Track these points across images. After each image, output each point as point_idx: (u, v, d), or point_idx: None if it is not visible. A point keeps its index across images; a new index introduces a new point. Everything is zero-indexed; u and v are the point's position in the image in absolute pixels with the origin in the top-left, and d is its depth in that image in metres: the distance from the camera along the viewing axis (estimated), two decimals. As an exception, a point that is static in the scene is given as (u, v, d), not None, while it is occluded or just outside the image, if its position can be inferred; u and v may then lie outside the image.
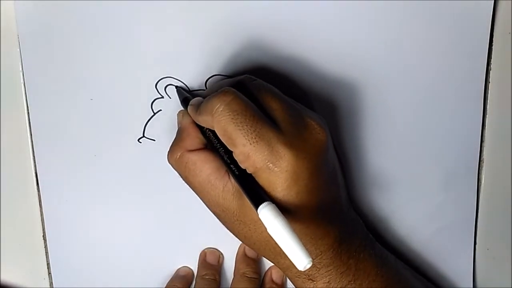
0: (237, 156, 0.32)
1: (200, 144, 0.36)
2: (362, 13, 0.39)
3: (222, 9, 0.38)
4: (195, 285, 0.42)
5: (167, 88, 0.40)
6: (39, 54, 0.39)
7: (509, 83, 0.41)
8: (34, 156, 0.41)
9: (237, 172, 0.33)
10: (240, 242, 0.41)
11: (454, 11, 0.39)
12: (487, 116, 0.41)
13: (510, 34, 0.40)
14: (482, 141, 0.42)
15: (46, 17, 0.38)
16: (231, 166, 0.33)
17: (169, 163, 0.37)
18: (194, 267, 0.42)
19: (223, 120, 0.32)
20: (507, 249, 0.43)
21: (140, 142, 0.40)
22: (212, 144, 0.34)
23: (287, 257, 0.28)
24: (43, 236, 0.42)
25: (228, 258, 0.42)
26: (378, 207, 0.42)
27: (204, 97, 0.35)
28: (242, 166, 0.32)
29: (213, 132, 0.34)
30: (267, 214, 0.29)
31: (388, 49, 0.40)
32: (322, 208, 0.33)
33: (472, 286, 0.43)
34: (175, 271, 0.42)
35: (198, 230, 0.42)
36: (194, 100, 0.36)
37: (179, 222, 0.42)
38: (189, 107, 0.36)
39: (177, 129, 0.38)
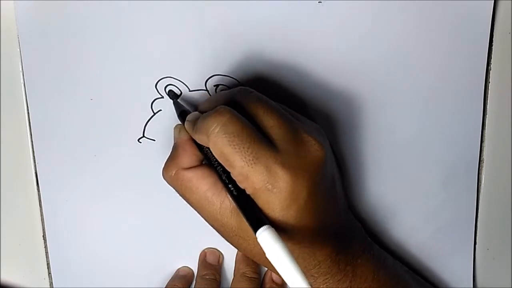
0: (236, 177, 0.32)
1: (196, 161, 0.35)
2: (361, 13, 0.39)
3: (222, 9, 0.38)
4: (195, 284, 0.42)
5: (167, 88, 0.40)
6: (39, 54, 0.39)
7: (509, 83, 0.41)
8: (34, 156, 0.41)
9: (235, 193, 0.32)
10: None
11: (454, 11, 0.39)
12: (487, 116, 0.41)
13: (510, 34, 0.40)
14: (482, 141, 0.42)
15: (46, 17, 0.38)
16: (229, 186, 0.32)
17: (164, 179, 0.36)
18: (194, 267, 0.42)
19: (219, 141, 0.31)
20: (507, 249, 0.43)
21: (140, 142, 0.40)
22: (210, 162, 0.34)
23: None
24: (43, 236, 0.42)
25: (228, 258, 0.42)
26: (377, 207, 0.42)
27: (201, 110, 0.35)
28: (241, 186, 0.32)
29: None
30: (266, 238, 0.29)
31: (387, 49, 0.40)
32: (321, 223, 0.33)
33: (472, 286, 0.43)
34: (175, 271, 0.42)
35: (198, 230, 0.42)
36: (191, 116, 0.35)
37: (179, 222, 0.42)
38: (186, 123, 0.35)
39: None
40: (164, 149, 0.40)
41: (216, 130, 0.31)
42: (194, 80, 0.40)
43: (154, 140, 0.40)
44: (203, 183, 0.34)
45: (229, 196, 0.33)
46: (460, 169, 0.42)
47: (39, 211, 0.42)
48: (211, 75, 0.39)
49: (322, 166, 0.32)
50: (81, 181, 0.41)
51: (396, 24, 0.39)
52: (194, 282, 0.42)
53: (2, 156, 0.41)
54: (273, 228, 0.29)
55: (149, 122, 0.40)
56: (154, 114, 0.40)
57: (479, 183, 0.42)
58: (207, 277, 0.41)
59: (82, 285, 0.42)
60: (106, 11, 0.38)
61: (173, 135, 0.37)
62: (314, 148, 0.32)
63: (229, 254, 0.42)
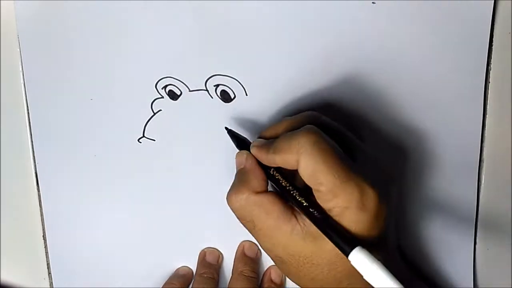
0: (324, 195, 0.31)
1: (265, 186, 0.34)
2: (361, 13, 0.39)
3: (222, 9, 0.38)
4: (193, 283, 0.42)
5: (167, 88, 0.40)
6: (39, 54, 0.39)
7: (509, 83, 0.41)
8: (34, 156, 0.41)
9: (317, 215, 0.31)
10: (239, 242, 0.41)
11: (454, 11, 0.39)
12: (487, 116, 0.41)
13: (510, 34, 0.40)
14: (482, 141, 0.42)
15: (46, 17, 0.38)
16: (310, 209, 0.32)
17: (231, 207, 0.34)
18: (194, 267, 0.42)
19: (312, 159, 0.31)
20: (507, 249, 0.43)
21: (140, 142, 0.40)
22: (281, 186, 0.33)
23: None
24: (43, 236, 0.42)
25: (228, 258, 0.42)
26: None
27: (266, 136, 0.35)
28: (327, 205, 0.31)
29: (281, 173, 0.33)
30: (361, 260, 0.29)
31: (387, 49, 0.39)
32: (393, 244, 0.34)
33: (472, 286, 0.43)
34: (174, 270, 0.42)
35: (198, 230, 0.42)
36: (258, 141, 0.35)
37: (179, 222, 0.42)
38: (254, 148, 0.34)
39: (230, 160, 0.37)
40: (164, 149, 0.40)
41: (309, 148, 0.31)
42: (194, 80, 0.40)
43: (154, 140, 0.40)
44: (274, 209, 0.33)
45: (300, 222, 0.32)
46: (460, 169, 0.42)
47: (39, 211, 0.42)
48: (211, 75, 0.39)
49: (393, 185, 0.33)
50: (81, 181, 0.41)
51: (395, 24, 0.39)
52: (193, 280, 0.42)
53: (2, 156, 0.41)
54: (365, 249, 0.29)
55: (149, 122, 0.40)
56: (154, 114, 0.40)
57: (479, 183, 0.42)
58: (205, 275, 0.41)
59: (82, 285, 0.42)
60: (106, 11, 0.38)
61: (236, 161, 0.36)
62: (387, 168, 0.33)
63: (229, 255, 0.42)
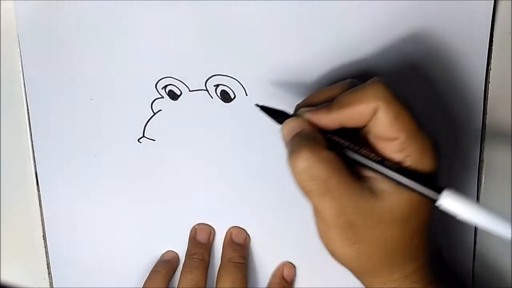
0: (402, 143, 0.31)
1: (328, 146, 0.32)
2: (360, 13, 0.39)
3: (222, 9, 0.38)
4: (183, 264, 0.41)
5: (167, 88, 0.40)
6: (39, 54, 0.39)
7: (509, 83, 0.41)
8: (34, 156, 0.41)
9: (395, 166, 0.31)
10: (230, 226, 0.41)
11: (454, 11, 0.39)
12: (487, 116, 0.41)
13: (510, 34, 0.40)
14: (482, 141, 0.42)
15: (46, 17, 0.38)
16: (385, 162, 0.31)
17: (296, 169, 0.31)
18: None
19: (394, 104, 0.31)
20: (507, 249, 0.43)
21: (140, 142, 0.40)
22: (345, 147, 0.32)
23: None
24: (43, 236, 0.42)
25: (222, 232, 0.42)
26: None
27: (314, 102, 0.34)
28: (404, 153, 0.31)
29: (341, 136, 0.32)
30: (453, 202, 0.29)
31: (387, 49, 0.39)
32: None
33: (472, 286, 0.43)
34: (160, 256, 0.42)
35: (198, 230, 0.42)
36: (308, 108, 0.33)
37: (180, 222, 0.42)
38: (309, 112, 0.33)
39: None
40: (164, 149, 0.40)
41: (390, 94, 0.31)
42: (194, 80, 0.40)
43: (154, 140, 0.40)
44: (343, 166, 0.31)
45: (372, 179, 0.32)
46: (460, 169, 0.42)
47: (39, 211, 0.42)
48: (211, 75, 0.39)
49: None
50: (81, 181, 0.41)
51: (395, 24, 0.39)
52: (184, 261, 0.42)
53: (2, 156, 0.41)
54: (453, 189, 0.29)
55: (149, 122, 0.40)
56: (154, 114, 0.40)
57: (479, 183, 0.42)
58: (195, 257, 0.41)
59: (82, 285, 0.42)
60: (106, 11, 0.38)
61: (285, 130, 0.33)
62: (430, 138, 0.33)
63: (221, 230, 0.42)
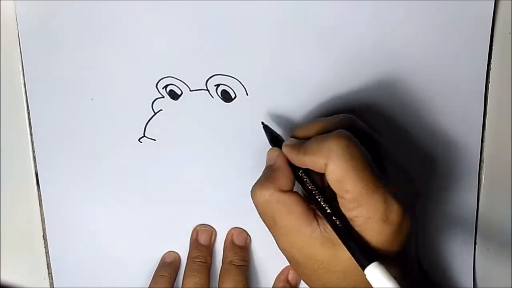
0: (349, 203, 0.31)
1: (291, 186, 0.34)
2: (361, 13, 0.39)
3: (222, 9, 0.38)
4: (185, 268, 0.41)
5: (167, 88, 0.40)
6: (39, 54, 0.39)
7: (509, 83, 0.41)
8: (34, 156, 0.41)
9: (340, 224, 0.31)
10: (231, 227, 0.41)
11: (454, 11, 0.39)
12: (487, 116, 0.41)
13: (510, 34, 0.40)
14: (482, 141, 0.42)
15: (46, 17, 0.38)
16: (333, 217, 0.31)
17: (254, 201, 0.34)
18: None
19: (340, 164, 0.30)
20: (507, 249, 0.43)
21: (141, 142, 0.40)
22: (307, 189, 0.33)
23: None
24: (43, 236, 0.42)
25: (223, 234, 0.42)
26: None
27: (299, 136, 0.34)
28: (350, 214, 0.31)
29: (309, 176, 0.33)
30: (377, 276, 0.29)
31: (387, 50, 0.40)
32: (411, 258, 0.34)
33: (472, 286, 0.43)
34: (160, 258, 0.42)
35: (198, 230, 0.42)
36: (291, 141, 0.35)
37: (180, 222, 0.42)
38: (285, 147, 0.34)
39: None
40: (164, 149, 0.40)
41: (339, 152, 0.31)
42: (194, 79, 0.40)
43: (154, 140, 0.40)
44: (297, 209, 0.33)
45: (320, 226, 0.32)
46: (460, 169, 0.42)
47: (39, 211, 0.41)
48: (212, 74, 0.39)
49: (418, 199, 0.33)
50: (82, 181, 0.41)
51: (395, 24, 0.39)
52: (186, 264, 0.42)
53: (2, 156, 0.41)
54: (383, 266, 0.29)
55: (149, 122, 0.40)
56: (155, 114, 0.40)
57: (479, 183, 0.42)
58: (198, 260, 0.41)
59: (82, 285, 0.42)
60: (106, 11, 0.38)
61: (267, 157, 0.36)
62: (414, 183, 0.33)
63: (222, 230, 0.42)
